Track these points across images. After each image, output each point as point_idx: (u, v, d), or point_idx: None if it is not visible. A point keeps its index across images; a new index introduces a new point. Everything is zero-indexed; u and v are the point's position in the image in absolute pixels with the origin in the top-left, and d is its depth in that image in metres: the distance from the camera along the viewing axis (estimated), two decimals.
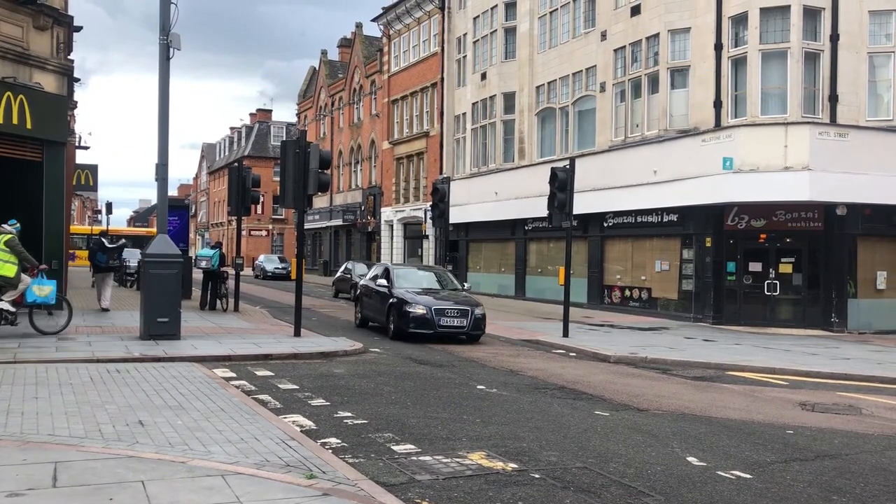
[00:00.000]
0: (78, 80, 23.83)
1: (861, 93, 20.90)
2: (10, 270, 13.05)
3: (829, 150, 19.87)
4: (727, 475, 6.70)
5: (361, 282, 19.68)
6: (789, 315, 21.32)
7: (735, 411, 9.73)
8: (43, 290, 13.67)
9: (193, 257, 26.34)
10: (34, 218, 17.62)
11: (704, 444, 7.80)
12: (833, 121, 20.56)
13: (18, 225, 13.73)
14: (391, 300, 16.55)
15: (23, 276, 13.33)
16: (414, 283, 17.53)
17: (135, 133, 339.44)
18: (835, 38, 20.66)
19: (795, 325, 20.84)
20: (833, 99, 20.68)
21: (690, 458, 7.21)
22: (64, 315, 14.38)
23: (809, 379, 12.78)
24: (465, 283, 19.81)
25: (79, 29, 20.19)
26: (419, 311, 15.87)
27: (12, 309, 13.17)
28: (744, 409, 9.87)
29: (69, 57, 19.04)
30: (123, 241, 23.37)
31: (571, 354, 15.16)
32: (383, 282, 17.32)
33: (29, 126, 16.62)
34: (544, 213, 18.40)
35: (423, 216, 37.00)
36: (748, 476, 6.71)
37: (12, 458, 5.88)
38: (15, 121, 16.27)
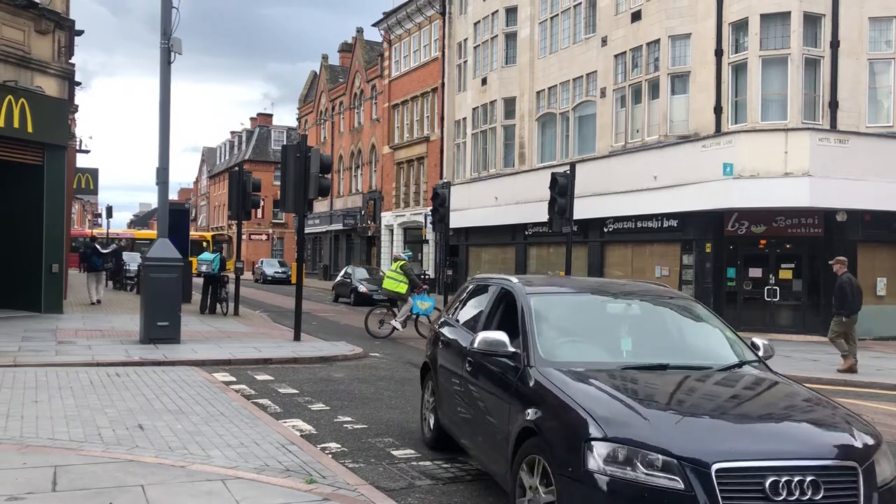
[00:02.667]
0: (79, 83, 23.93)
1: (861, 99, 20.91)
2: (402, 288, 17.35)
3: (830, 156, 19.87)
4: None
5: (441, 328, 7.63)
6: (789, 321, 21.30)
7: None
8: (424, 304, 17.40)
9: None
10: (35, 221, 17.66)
11: None
12: (833, 127, 20.56)
13: (410, 253, 18.23)
14: (549, 424, 4.66)
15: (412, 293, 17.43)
16: (597, 342, 5.79)
17: (136, 136, 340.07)
18: (835, 44, 20.68)
19: (795, 331, 20.82)
20: (833, 105, 20.69)
21: None
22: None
23: (810, 385, 12.74)
24: (762, 345, 6.18)
25: (80, 33, 20.24)
26: None
27: (411, 316, 17.55)
28: None
29: (70, 61, 19.08)
30: (115, 245, 26.42)
31: None
32: (501, 339, 5.53)
33: (30, 130, 16.65)
34: (545, 217, 18.41)
35: (424, 221, 37.00)
36: None
37: (12, 461, 5.87)
38: (16, 124, 16.30)
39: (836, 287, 14.59)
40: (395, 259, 18.22)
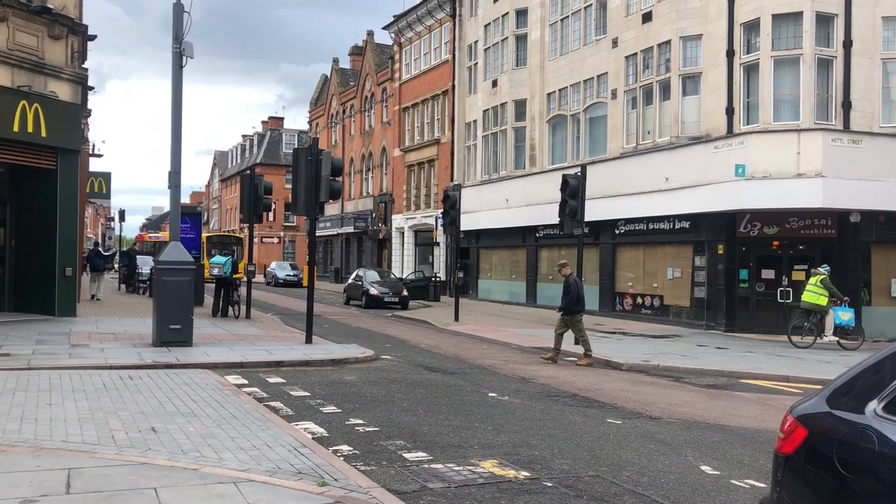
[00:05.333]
0: (92, 88, 24.08)
1: (875, 99, 20.76)
2: (822, 301, 17.78)
3: (843, 156, 19.75)
4: (741, 484, 6.65)
5: None
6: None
7: (749, 419, 9.66)
8: (845, 315, 17.88)
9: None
10: (49, 225, 17.77)
11: (718, 453, 7.74)
12: (846, 127, 20.43)
13: (829, 268, 18.32)
14: None
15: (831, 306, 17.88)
16: None
17: (148, 139, 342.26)
18: (848, 44, 20.55)
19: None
20: (846, 105, 20.55)
21: (704, 467, 7.16)
22: (859, 339, 17.72)
23: (823, 387, 12.64)
24: None
25: (93, 38, 20.37)
26: None
27: (831, 336, 17.86)
28: (757, 418, 9.80)
29: (83, 66, 19.19)
30: (114, 250, 33.68)
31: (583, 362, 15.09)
32: None
33: (43, 134, 16.77)
34: (555, 220, 18.38)
35: (434, 223, 37.00)
36: (762, 485, 6.64)
37: (26, 464, 5.91)
38: (30, 129, 16.42)
39: (564, 287, 15.07)
40: (815, 273, 18.46)
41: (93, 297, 25.36)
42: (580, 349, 16.38)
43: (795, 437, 3.64)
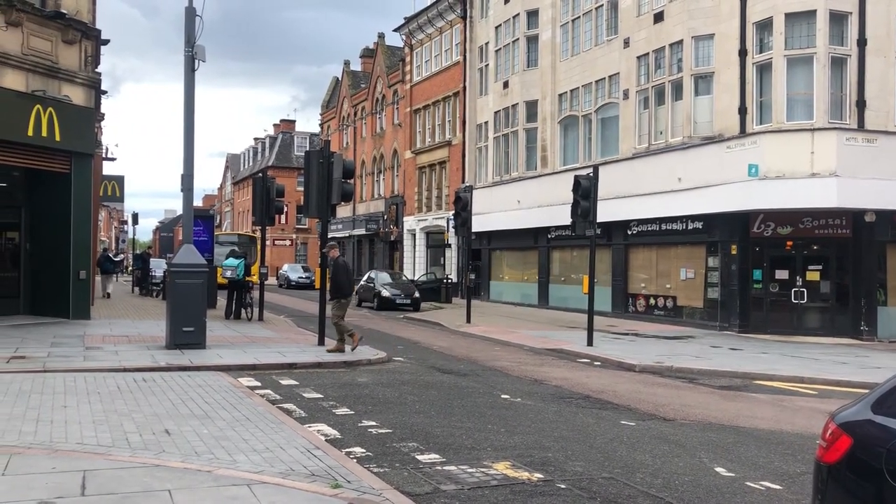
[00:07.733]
0: (105, 92, 24.24)
1: (890, 98, 20.58)
2: None
3: (857, 156, 19.60)
4: (756, 486, 6.61)
5: None
6: (817, 323, 21.01)
7: (763, 421, 9.59)
8: None
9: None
10: (63, 229, 17.90)
11: (732, 455, 7.69)
12: (861, 126, 20.27)
13: None
14: None
15: None
16: None
17: (162, 142, 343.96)
18: (862, 42, 20.38)
19: (823, 333, 20.54)
20: (861, 104, 20.38)
21: (719, 469, 7.12)
22: None
23: (839, 388, 12.57)
24: None
25: (106, 42, 20.53)
26: None
27: None
28: (772, 419, 9.73)
29: (97, 70, 19.32)
30: (122, 255, 38.21)
31: (596, 363, 15.05)
32: None
33: (57, 138, 16.89)
34: (567, 221, 18.31)
35: (446, 225, 37.00)
36: (778, 487, 6.60)
37: (42, 466, 5.95)
38: (44, 133, 16.54)
39: (333, 272, 14.73)
40: None
41: (108, 294, 28.35)
42: (598, 353, 16.34)
43: (839, 446, 3.51)
